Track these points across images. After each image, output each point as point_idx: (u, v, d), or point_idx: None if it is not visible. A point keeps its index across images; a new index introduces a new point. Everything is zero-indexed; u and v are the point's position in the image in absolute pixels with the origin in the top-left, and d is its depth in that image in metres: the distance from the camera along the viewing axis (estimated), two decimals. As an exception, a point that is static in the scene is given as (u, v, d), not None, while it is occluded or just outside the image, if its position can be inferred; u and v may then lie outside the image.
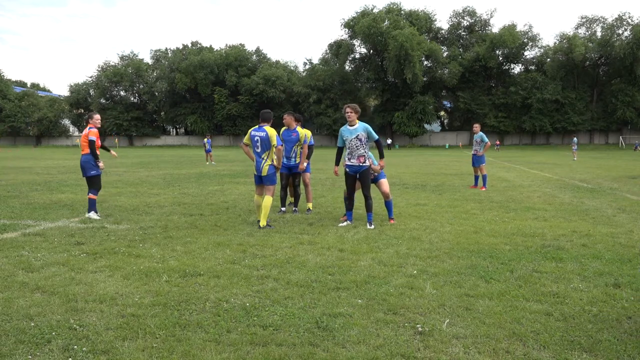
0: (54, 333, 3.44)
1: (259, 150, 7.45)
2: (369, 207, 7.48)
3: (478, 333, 3.44)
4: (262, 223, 7.27)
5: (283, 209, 8.82)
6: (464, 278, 4.74)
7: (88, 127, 8.28)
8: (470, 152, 13.39)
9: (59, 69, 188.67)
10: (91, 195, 8.25)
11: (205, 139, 26.58)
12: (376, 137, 7.56)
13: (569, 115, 61.86)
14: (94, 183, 8.28)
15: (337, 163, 7.88)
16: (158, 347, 3.24)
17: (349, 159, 7.49)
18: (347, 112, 7.44)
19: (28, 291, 4.35)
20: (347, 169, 7.55)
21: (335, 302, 4.07)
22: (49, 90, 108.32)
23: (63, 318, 3.72)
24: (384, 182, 7.93)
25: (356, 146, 7.40)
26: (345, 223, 7.58)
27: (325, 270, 5.01)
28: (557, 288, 4.43)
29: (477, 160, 13.24)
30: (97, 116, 8.51)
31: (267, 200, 7.36)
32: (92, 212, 8.17)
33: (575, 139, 33.98)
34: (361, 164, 7.42)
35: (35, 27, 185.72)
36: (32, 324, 3.60)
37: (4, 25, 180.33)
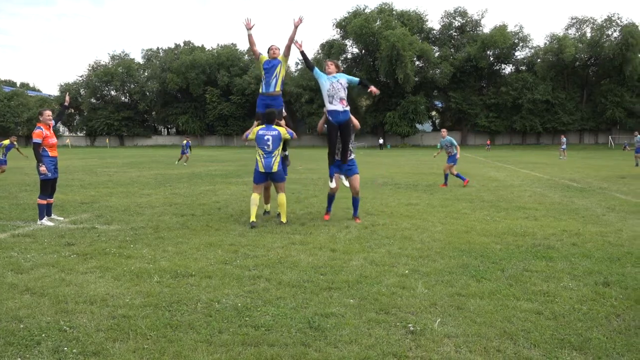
0: (43, 335, 3.42)
1: (269, 149, 7.45)
2: (345, 154, 7.68)
3: (469, 332, 3.46)
4: (284, 219, 7.55)
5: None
6: (455, 277, 4.76)
7: (37, 127, 7.74)
8: (459, 153, 13.73)
9: (49, 68, 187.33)
10: (38, 200, 7.72)
11: (185, 141, 26.37)
12: (357, 79, 7.66)
13: (559, 115, 62.33)
14: (40, 187, 7.80)
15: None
16: (149, 349, 3.22)
17: (331, 102, 7.44)
18: (329, 65, 7.58)
19: (17, 292, 4.31)
20: (330, 118, 7.48)
21: (327, 302, 4.07)
22: (38, 90, 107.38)
23: (53, 319, 3.69)
24: (357, 178, 7.94)
25: (337, 89, 7.44)
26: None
27: (317, 270, 5.01)
28: (547, 287, 4.46)
29: (452, 159, 13.79)
30: (47, 112, 7.91)
31: (283, 198, 7.60)
32: (44, 218, 7.63)
33: (564, 138, 34.43)
34: (345, 108, 7.45)
35: (24, 26, 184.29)
36: (22, 326, 3.57)
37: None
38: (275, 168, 7.48)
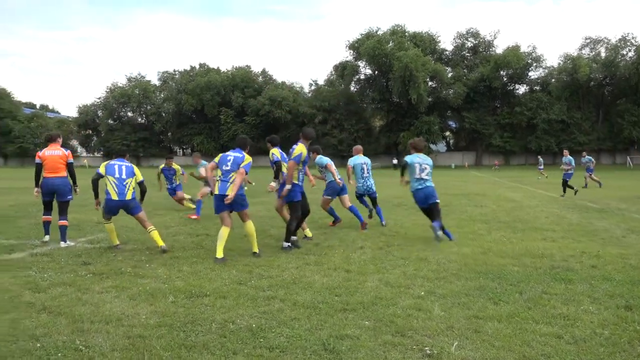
0: (59, 354, 3.43)
1: (227, 168, 6.80)
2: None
3: (487, 356, 3.39)
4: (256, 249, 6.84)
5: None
6: (472, 299, 4.69)
7: (64, 149, 7.81)
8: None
9: (67, 90, 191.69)
10: (65, 222, 7.66)
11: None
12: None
13: (575, 135, 61.76)
14: (66, 208, 7.75)
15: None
16: (164, 369, 3.21)
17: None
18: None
19: (34, 311, 4.35)
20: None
21: (342, 324, 4.03)
22: (57, 112, 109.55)
23: (69, 339, 3.71)
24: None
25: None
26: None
27: (331, 291, 4.98)
28: (567, 310, 4.37)
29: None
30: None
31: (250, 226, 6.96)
32: (68, 240, 7.66)
33: (541, 159, 36.56)
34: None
35: (43, 50, 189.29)
36: (38, 345, 3.59)
37: (14, 48, 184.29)
38: (230, 192, 6.57)
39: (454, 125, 72.48)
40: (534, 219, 10.67)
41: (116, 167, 7.26)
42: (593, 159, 22.96)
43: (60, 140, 8.03)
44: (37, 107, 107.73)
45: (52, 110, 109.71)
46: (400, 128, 65.51)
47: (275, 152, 7.88)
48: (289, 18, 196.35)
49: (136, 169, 7.44)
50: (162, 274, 5.71)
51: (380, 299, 4.69)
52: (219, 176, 6.75)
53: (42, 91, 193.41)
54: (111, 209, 7.25)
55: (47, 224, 7.82)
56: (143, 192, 7.59)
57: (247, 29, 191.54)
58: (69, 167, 7.79)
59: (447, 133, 74.24)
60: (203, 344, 3.61)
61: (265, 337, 3.76)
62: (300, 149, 7.34)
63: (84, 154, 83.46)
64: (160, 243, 7.10)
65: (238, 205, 6.77)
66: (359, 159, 9.95)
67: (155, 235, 7.18)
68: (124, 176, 7.20)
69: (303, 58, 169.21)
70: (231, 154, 6.84)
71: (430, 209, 8.02)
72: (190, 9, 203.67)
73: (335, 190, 9.25)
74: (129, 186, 7.22)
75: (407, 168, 8.11)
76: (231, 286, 5.16)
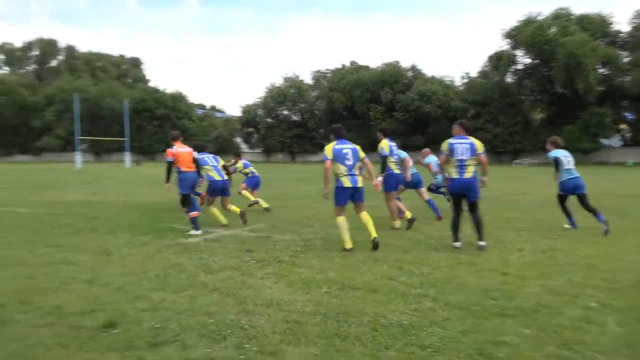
0: (228, 331, 3.80)
1: (350, 162, 7.15)
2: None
3: (679, 384, 2.92)
4: (375, 234, 6.94)
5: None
6: (657, 316, 4.08)
7: (189, 147, 8.86)
8: None
9: (231, 91, 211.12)
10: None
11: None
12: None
13: None
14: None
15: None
16: (319, 356, 3.37)
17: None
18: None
19: (207, 291, 4.88)
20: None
21: (499, 330, 3.81)
22: (223, 112, 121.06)
23: (236, 318, 4.09)
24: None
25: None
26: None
27: (487, 294, 4.73)
28: None
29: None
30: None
31: (367, 215, 7.26)
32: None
33: None
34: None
35: (211, 56, 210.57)
36: (211, 321, 4.02)
37: (188, 56, 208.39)
38: (360, 183, 7.08)
39: (630, 117, 63.60)
40: None
41: (206, 158, 9.23)
42: None
43: (181, 138, 9.08)
44: (208, 107, 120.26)
45: (220, 111, 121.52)
46: (563, 121, 59.49)
47: (385, 146, 8.53)
48: (440, 10, 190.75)
49: (219, 157, 9.53)
50: (316, 264, 5.98)
51: (543, 307, 4.33)
52: (344, 171, 6.96)
53: (211, 93, 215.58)
54: (215, 190, 9.03)
55: (196, 219, 8.37)
56: (228, 174, 9.79)
57: (397, 24, 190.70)
58: (195, 162, 8.77)
59: (623, 126, 65.44)
60: (355, 336, 3.70)
61: (417, 335, 3.71)
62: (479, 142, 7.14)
63: (247, 150, 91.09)
64: (237, 210, 8.99)
65: (361, 195, 7.15)
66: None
67: (234, 208, 9.10)
68: (215, 163, 9.24)
69: (454, 50, 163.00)
70: (345, 147, 7.18)
71: (577, 197, 9.00)
72: (341, 8, 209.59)
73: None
74: (222, 170, 9.28)
75: (558, 164, 9.07)
76: (382, 281, 5.20)
